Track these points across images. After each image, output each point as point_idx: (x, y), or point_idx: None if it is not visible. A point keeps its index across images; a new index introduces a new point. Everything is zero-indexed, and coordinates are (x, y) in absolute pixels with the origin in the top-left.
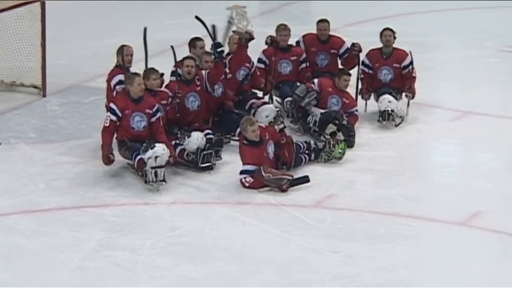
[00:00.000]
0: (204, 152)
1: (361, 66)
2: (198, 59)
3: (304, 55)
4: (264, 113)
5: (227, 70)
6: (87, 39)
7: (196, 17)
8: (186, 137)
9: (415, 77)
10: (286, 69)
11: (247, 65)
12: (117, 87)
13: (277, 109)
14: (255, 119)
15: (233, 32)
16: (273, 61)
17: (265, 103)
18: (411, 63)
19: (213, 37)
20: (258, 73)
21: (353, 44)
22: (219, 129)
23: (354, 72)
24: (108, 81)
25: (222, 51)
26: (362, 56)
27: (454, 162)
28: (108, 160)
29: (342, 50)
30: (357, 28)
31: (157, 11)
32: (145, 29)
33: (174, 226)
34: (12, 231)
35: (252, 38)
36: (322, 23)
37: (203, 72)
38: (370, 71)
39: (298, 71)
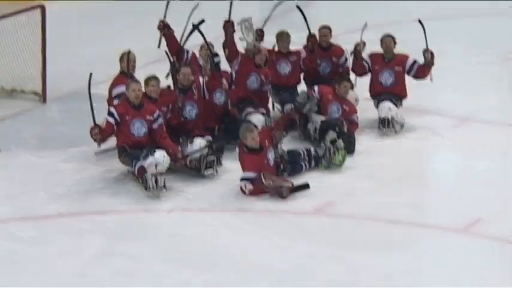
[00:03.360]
0: (207, 159)
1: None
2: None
3: (304, 54)
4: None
5: (224, 82)
6: (88, 45)
7: (193, 26)
8: (188, 143)
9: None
10: (285, 70)
11: (262, 77)
12: (116, 101)
13: (267, 120)
14: (253, 126)
15: (244, 48)
16: (273, 60)
17: (262, 113)
18: (415, 61)
19: (208, 44)
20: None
21: (357, 44)
22: (226, 137)
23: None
24: (110, 88)
25: (219, 62)
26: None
27: (453, 169)
28: (94, 135)
29: (341, 60)
30: (358, 35)
31: (158, 18)
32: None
33: (173, 233)
34: (12, 238)
35: (259, 51)
36: (324, 29)
37: (200, 80)
38: (366, 66)
39: (298, 72)
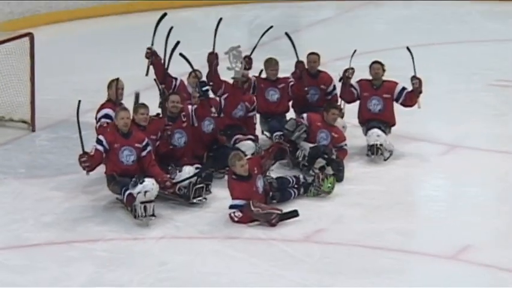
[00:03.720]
0: (196, 186)
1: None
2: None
3: (292, 81)
4: (241, 148)
5: (213, 110)
6: (77, 73)
7: (180, 54)
8: (177, 171)
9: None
10: (274, 97)
11: (247, 104)
12: (102, 120)
13: (257, 146)
14: (242, 154)
15: (232, 78)
16: (261, 88)
17: (250, 139)
18: (403, 89)
19: (195, 72)
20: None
21: (345, 71)
22: (214, 164)
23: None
24: (96, 114)
25: (207, 90)
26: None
27: (442, 196)
28: (83, 162)
29: (330, 88)
30: (346, 62)
31: (146, 45)
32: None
33: (163, 261)
34: (1, 266)
35: (248, 80)
36: (312, 55)
37: (189, 107)
38: (355, 93)
39: (286, 99)
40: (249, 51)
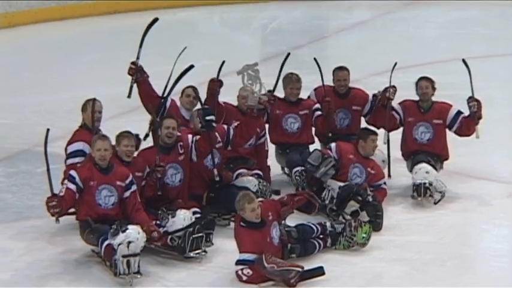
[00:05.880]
0: (194, 236)
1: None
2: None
3: (317, 105)
4: (238, 186)
5: (218, 139)
6: (42, 91)
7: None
8: (169, 217)
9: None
10: (294, 126)
11: (258, 130)
12: (70, 160)
13: (260, 184)
14: (253, 195)
15: (245, 105)
16: (277, 114)
17: (256, 174)
18: (459, 113)
19: (196, 92)
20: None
21: (385, 90)
22: (216, 208)
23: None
24: (66, 146)
25: (212, 121)
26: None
27: (508, 250)
28: (52, 207)
29: (366, 108)
30: (385, 78)
31: (130, 57)
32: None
33: None
34: None
35: (265, 109)
36: (341, 71)
37: (189, 137)
38: (398, 118)
39: (309, 128)
40: (260, 63)
